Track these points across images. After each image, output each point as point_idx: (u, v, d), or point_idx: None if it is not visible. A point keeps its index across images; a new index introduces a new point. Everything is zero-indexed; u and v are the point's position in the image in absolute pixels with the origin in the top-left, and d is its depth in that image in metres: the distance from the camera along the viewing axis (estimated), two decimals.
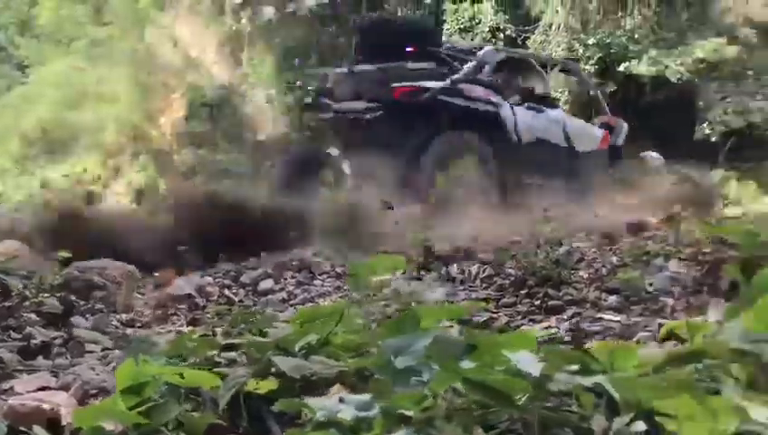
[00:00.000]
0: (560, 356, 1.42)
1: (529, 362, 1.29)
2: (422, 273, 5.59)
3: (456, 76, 10.54)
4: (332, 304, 1.44)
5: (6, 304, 2.92)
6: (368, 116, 10.33)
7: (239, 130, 22.00)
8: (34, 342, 2.31)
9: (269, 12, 22.25)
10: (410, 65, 10.89)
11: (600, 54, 20.74)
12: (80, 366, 1.93)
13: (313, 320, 1.49)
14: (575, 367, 1.39)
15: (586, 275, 4.73)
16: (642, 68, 20.10)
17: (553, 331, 4.12)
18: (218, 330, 3.60)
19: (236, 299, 5.04)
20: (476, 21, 21.66)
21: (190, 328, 4.00)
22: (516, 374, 1.26)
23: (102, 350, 2.29)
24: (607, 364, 1.66)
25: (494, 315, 4.58)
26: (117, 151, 22.17)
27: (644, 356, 1.77)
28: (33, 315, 2.92)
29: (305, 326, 1.48)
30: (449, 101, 10.35)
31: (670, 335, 1.90)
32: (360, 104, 10.60)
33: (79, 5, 22.34)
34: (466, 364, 1.24)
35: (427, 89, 10.41)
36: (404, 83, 10.36)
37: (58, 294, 3.42)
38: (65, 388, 1.75)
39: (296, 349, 1.47)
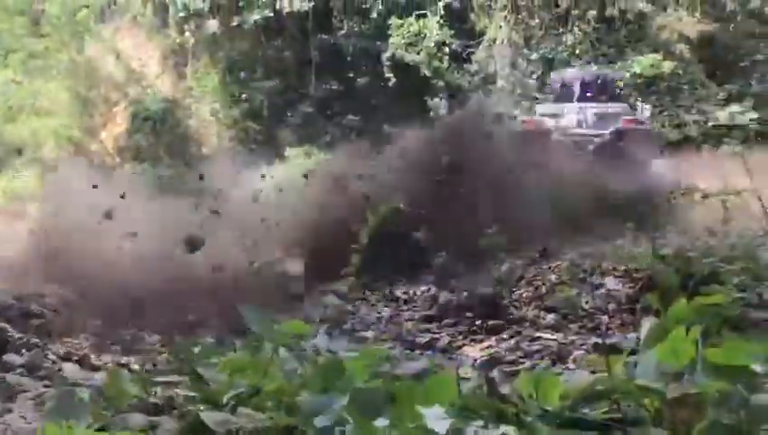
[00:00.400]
0: (476, 403, 1.43)
1: (438, 420, 1.30)
2: (366, 292, 5.60)
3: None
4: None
5: None
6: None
7: (183, 144, 21.72)
8: None
9: (213, 25, 22.04)
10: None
11: (543, 69, 21.20)
12: (10, 415, 1.85)
13: (242, 369, 1.46)
14: (487, 415, 1.40)
15: (526, 294, 4.80)
16: None
17: (493, 351, 4.17)
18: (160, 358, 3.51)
19: None
20: (422, 36, 21.87)
21: (127, 358, 3.91)
22: (427, 432, 1.27)
23: (35, 395, 2.20)
24: (532, 395, 1.68)
25: (437, 335, 4.61)
26: (56, 166, 21.57)
27: (569, 386, 1.80)
28: None
29: (233, 376, 1.46)
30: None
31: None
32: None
33: (17, 17, 21.74)
34: (382, 422, 1.25)
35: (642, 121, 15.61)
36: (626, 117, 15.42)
37: None
38: None
39: (224, 400, 1.44)
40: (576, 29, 21.25)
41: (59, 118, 21.32)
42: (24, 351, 3.00)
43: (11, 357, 2.78)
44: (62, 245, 6.56)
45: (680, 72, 20.84)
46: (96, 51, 22.44)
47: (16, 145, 20.98)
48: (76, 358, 3.24)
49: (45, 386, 2.37)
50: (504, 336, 4.52)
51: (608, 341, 3.91)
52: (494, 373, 3.06)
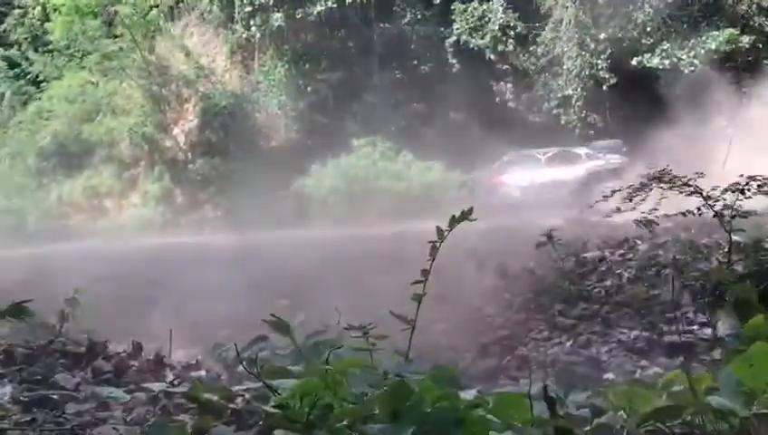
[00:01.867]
0: (545, 423, 1.43)
1: None
2: None
3: None
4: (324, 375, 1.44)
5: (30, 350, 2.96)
6: None
7: (252, 138, 22.12)
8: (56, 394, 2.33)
9: (278, 18, 22.28)
10: None
11: (612, 49, 20.59)
12: (103, 427, 1.94)
13: (316, 390, 1.50)
14: None
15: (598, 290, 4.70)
16: (655, 61, 19.94)
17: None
18: None
19: None
20: (486, 20, 21.56)
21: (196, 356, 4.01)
22: None
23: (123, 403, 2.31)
24: (625, 409, 1.68)
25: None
26: (132, 163, 22.39)
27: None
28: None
29: (307, 397, 1.50)
30: None
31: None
32: None
33: (91, 20, 22.52)
34: None
35: None
36: None
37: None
38: None
39: (303, 421, 1.48)
40: (647, 6, 20.50)
41: (133, 116, 22.05)
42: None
43: (100, 363, 2.92)
44: None
45: (759, 45, 19.90)
46: (166, 49, 23.06)
47: (93, 144, 21.84)
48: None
49: (129, 391, 2.47)
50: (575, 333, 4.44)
51: (683, 339, 3.80)
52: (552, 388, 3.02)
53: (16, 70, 24.32)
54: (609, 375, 3.60)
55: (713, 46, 19.60)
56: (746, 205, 4.74)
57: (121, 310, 5.22)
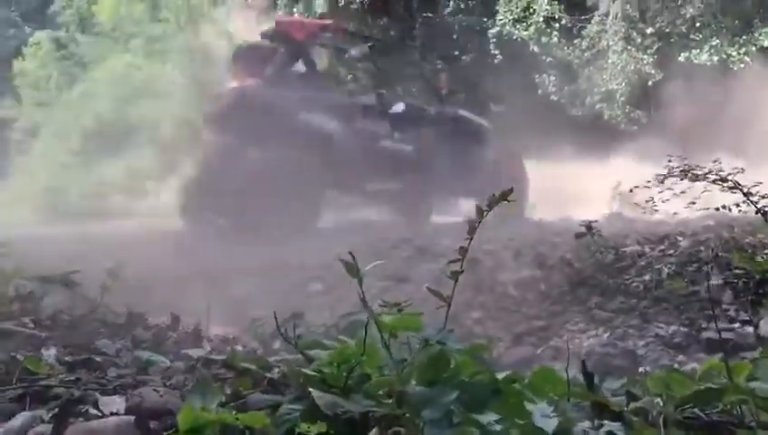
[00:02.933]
0: (582, 396, 1.42)
1: (544, 418, 1.30)
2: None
3: None
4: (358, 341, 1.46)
5: (73, 318, 3.04)
6: None
7: None
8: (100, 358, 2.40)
9: (321, 5, 22.37)
10: None
11: (659, 44, 20.20)
12: (144, 388, 2.00)
13: (354, 358, 1.52)
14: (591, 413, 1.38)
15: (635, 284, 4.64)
16: (704, 57, 19.51)
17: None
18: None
19: None
20: (531, 11, 21.33)
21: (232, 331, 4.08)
22: (535, 431, 1.27)
23: (165, 368, 2.36)
24: (662, 395, 1.66)
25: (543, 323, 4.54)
26: (173, 146, 22.70)
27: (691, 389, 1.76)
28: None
29: (344, 364, 1.51)
30: None
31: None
32: None
33: (137, 3, 22.87)
34: (488, 417, 1.26)
35: None
36: None
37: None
38: (132, 411, 1.82)
39: (341, 386, 1.50)
40: (696, 1, 20.06)
41: (176, 100, 22.35)
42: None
43: (139, 332, 2.98)
44: None
45: None
46: (210, 34, 23.31)
47: (135, 126, 22.20)
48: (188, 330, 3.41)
49: (169, 360, 2.53)
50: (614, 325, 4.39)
51: (723, 335, 3.74)
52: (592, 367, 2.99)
53: (63, 51, 24.83)
54: (646, 368, 3.56)
55: (765, 43, 19.11)
56: None
57: (157, 287, 5.31)
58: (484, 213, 2.08)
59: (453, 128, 12.60)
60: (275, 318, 2.27)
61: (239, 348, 3.27)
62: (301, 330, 2.65)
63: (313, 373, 1.52)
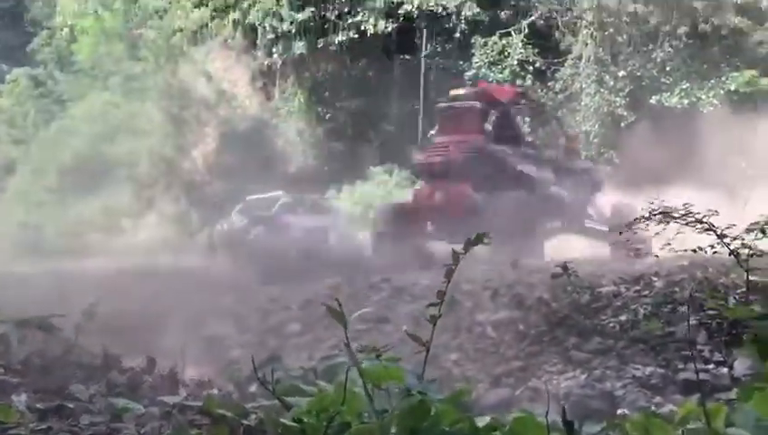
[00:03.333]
0: None
1: None
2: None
3: None
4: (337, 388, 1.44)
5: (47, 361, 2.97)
6: None
7: (270, 163, 22.31)
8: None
9: (300, 46, 22.61)
10: None
11: (631, 87, 20.67)
12: None
13: (333, 406, 1.50)
14: None
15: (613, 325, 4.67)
16: (674, 100, 19.98)
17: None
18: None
19: None
20: (505, 54, 21.74)
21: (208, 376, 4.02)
22: None
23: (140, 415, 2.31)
24: None
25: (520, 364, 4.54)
26: (150, 183, 22.63)
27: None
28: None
29: (323, 412, 1.50)
30: None
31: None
32: None
33: (116, 42, 22.95)
34: None
35: None
36: None
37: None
38: None
39: None
40: (666, 45, 20.60)
41: (153, 137, 22.33)
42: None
43: (114, 376, 2.92)
44: None
45: None
46: (189, 73, 23.41)
47: (113, 164, 22.10)
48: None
49: (144, 405, 2.47)
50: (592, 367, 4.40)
51: (699, 377, 3.76)
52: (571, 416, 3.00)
53: (41, 89, 24.76)
54: (624, 411, 3.57)
55: (732, 87, 19.63)
56: (766, 245, 4.71)
57: (131, 326, 5.24)
58: (460, 257, 2.09)
59: (585, 178, 14.33)
60: (252, 362, 2.25)
61: (215, 391, 3.22)
62: (279, 373, 2.63)
63: (292, 423, 1.50)
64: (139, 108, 22.82)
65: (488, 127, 13.08)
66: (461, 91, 14.18)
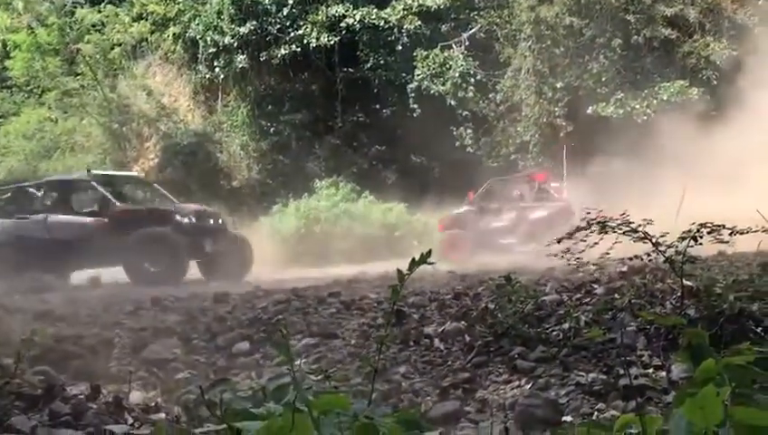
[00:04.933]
0: None
1: None
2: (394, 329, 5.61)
3: None
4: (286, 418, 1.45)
5: None
6: None
7: (214, 178, 22.08)
8: None
9: (242, 60, 22.47)
10: None
11: (569, 97, 21.22)
12: None
13: (282, 432, 1.52)
14: None
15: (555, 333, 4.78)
16: (609, 109, 20.58)
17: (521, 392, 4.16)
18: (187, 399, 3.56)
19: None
20: (447, 66, 22.05)
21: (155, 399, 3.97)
22: None
23: None
24: None
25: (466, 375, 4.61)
26: None
27: None
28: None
29: None
30: None
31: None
32: None
33: (52, 57, 22.38)
34: None
35: None
36: None
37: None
38: None
39: None
40: (601, 57, 21.24)
41: (92, 154, 21.83)
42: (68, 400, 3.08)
43: (58, 405, 2.86)
44: None
45: (708, 97, 20.70)
46: (128, 88, 23.00)
47: None
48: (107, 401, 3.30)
49: (89, 434, 2.44)
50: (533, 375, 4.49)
51: (637, 382, 3.89)
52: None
53: None
54: (568, 418, 3.66)
55: (665, 97, 20.33)
56: (697, 251, 4.90)
57: (70, 350, 5.11)
58: (406, 277, 2.14)
59: None
60: (200, 388, 2.24)
61: (162, 416, 3.19)
62: (227, 395, 2.62)
63: None
64: (77, 124, 22.30)
65: None
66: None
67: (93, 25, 23.03)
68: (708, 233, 4.51)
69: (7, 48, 23.19)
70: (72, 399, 2.99)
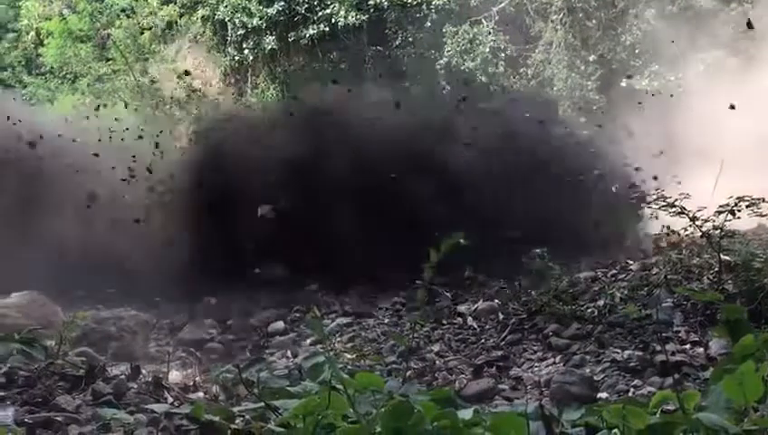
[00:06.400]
0: None
1: None
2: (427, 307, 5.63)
3: None
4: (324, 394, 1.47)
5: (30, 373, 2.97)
6: None
7: None
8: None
9: (271, 41, 22.46)
10: None
11: (602, 71, 20.83)
12: None
13: (319, 410, 1.53)
14: None
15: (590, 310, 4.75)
16: (644, 82, 20.16)
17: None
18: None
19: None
20: (477, 42, 21.77)
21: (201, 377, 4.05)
22: None
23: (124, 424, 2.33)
24: (619, 425, 1.71)
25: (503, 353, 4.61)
26: None
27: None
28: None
29: (308, 419, 1.53)
30: None
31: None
32: None
33: (83, 44, 22.64)
34: None
35: None
36: None
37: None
38: None
39: None
40: (634, 28, 20.79)
41: (126, 138, 22.06)
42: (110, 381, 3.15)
43: (99, 386, 2.94)
44: None
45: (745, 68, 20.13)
46: (159, 71, 23.17)
47: None
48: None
49: (131, 413, 2.50)
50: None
51: (674, 359, 3.86)
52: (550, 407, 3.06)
53: (8, 93, 24.36)
54: (603, 395, 3.65)
55: (701, 68, 19.85)
56: (735, 225, 4.82)
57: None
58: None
59: None
60: (237, 367, 2.28)
61: (201, 395, 3.25)
62: (263, 374, 2.65)
63: (279, 428, 1.53)
64: (110, 109, 22.56)
65: None
66: None
67: (123, 10, 23.20)
68: (747, 207, 4.43)
69: (41, 36, 23.51)
70: (113, 379, 3.06)
